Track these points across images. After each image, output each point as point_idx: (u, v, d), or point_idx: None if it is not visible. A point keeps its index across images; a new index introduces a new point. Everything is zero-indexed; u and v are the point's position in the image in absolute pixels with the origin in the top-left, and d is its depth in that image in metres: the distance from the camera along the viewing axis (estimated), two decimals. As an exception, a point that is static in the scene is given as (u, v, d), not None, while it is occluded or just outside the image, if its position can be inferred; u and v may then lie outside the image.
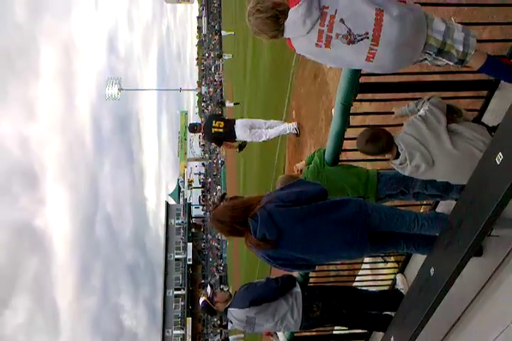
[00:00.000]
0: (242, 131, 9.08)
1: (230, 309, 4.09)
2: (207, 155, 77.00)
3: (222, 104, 28.44)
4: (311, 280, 4.42)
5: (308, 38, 2.59)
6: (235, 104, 24.67)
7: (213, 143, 10.31)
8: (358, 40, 2.53)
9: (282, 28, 2.59)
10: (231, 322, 4.18)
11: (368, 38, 2.52)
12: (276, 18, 2.56)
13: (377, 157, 3.29)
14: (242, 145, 9.59)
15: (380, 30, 2.50)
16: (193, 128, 9.85)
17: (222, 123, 9.07)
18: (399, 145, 2.97)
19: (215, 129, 9.07)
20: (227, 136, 9.21)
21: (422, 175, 3.05)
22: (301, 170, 3.90)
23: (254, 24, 2.61)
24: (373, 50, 2.55)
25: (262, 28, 2.61)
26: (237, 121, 9.18)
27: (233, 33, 38.40)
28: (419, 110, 3.03)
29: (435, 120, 2.91)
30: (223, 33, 45.31)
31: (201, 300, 4.28)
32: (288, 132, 10.27)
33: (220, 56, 51.39)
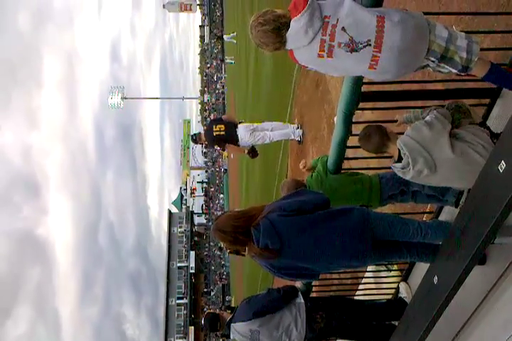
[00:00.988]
0: (245, 133, 8.90)
1: (232, 324, 3.99)
2: (209, 163, 77.09)
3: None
4: (314, 288, 4.40)
5: (310, 49, 2.60)
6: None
7: (217, 146, 10.13)
8: (361, 48, 2.54)
9: (284, 40, 2.61)
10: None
11: (370, 45, 2.53)
12: (278, 30, 2.57)
13: (381, 165, 3.31)
14: (254, 152, 9.39)
15: (383, 37, 2.51)
16: (194, 137, 9.71)
17: (222, 126, 8.91)
18: (401, 149, 2.95)
19: (216, 133, 8.94)
20: (229, 138, 9.00)
21: (422, 180, 3.04)
22: (308, 169, 3.92)
23: (256, 37, 2.63)
24: (376, 57, 2.55)
25: (264, 41, 2.62)
26: (240, 125, 9.03)
27: (235, 33, 38.46)
28: (423, 118, 3.03)
29: (441, 125, 2.91)
30: (225, 37, 45.38)
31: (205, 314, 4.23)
32: (292, 137, 10.17)
33: (222, 60, 51.37)
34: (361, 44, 2.53)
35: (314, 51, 2.60)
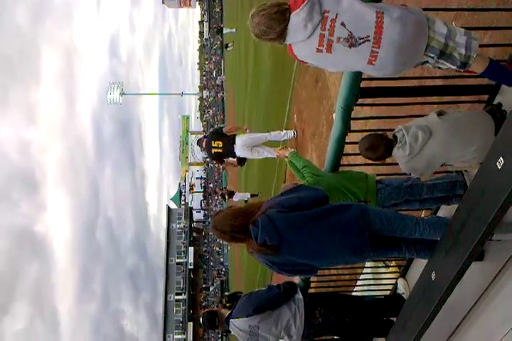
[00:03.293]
0: (242, 151, 9.23)
1: (231, 320, 3.98)
2: (209, 159, 77.02)
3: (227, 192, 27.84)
4: (312, 284, 4.40)
5: (309, 43, 2.60)
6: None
7: (214, 161, 10.56)
8: (360, 43, 2.54)
9: (286, 30, 2.59)
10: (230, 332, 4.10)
11: (369, 40, 2.53)
12: (282, 14, 2.56)
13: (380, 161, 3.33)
14: (243, 161, 9.78)
15: (381, 33, 2.51)
16: (198, 143, 10.00)
17: (220, 143, 9.16)
18: (399, 132, 3.07)
19: (215, 150, 9.22)
20: (227, 154, 9.38)
21: (424, 153, 3.01)
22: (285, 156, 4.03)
23: (259, 23, 2.58)
24: (375, 53, 2.55)
25: (268, 25, 2.57)
26: (238, 140, 9.19)
27: (234, 30, 38.42)
28: None
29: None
30: (225, 30, 45.26)
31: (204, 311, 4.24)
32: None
33: (226, 46, 51.20)
34: (360, 39, 2.53)
35: (313, 46, 2.59)
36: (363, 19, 2.52)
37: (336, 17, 2.52)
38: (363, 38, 2.53)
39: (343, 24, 2.52)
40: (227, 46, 47.71)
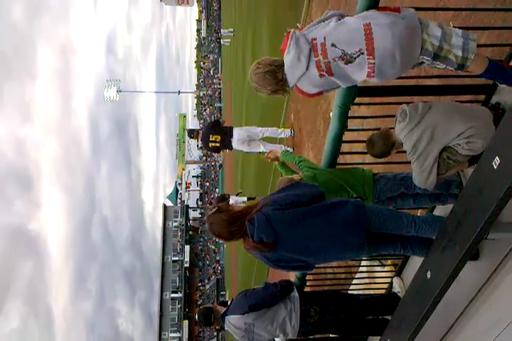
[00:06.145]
0: (239, 144, 9.37)
1: (227, 317, 4.00)
2: (205, 157, 77.01)
3: (223, 198, 28.04)
4: (308, 283, 4.41)
5: (309, 74, 2.68)
6: (237, 194, 23.92)
7: (210, 153, 10.79)
8: (355, 58, 2.58)
9: (282, 83, 2.73)
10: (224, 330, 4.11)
11: (362, 53, 2.56)
12: (274, 73, 2.72)
13: (377, 160, 3.33)
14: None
15: (373, 43, 2.54)
16: (191, 134, 9.99)
17: (218, 137, 9.27)
18: (400, 110, 3.05)
19: (212, 144, 9.31)
20: (224, 148, 9.54)
21: (423, 118, 2.95)
22: (275, 159, 4.17)
23: (254, 80, 2.79)
24: (371, 64, 2.59)
25: (261, 83, 2.77)
26: (235, 134, 9.31)
27: (232, 29, 38.45)
28: None
29: None
30: (222, 31, 45.32)
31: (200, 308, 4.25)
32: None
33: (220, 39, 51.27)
34: (354, 54, 2.58)
35: (314, 74, 2.67)
36: (351, 35, 2.57)
37: (325, 40, 2.59)
38: (356, 53, 2.57)
39: (333, 45, 2.58)
40: (221, 40, 47.78)
